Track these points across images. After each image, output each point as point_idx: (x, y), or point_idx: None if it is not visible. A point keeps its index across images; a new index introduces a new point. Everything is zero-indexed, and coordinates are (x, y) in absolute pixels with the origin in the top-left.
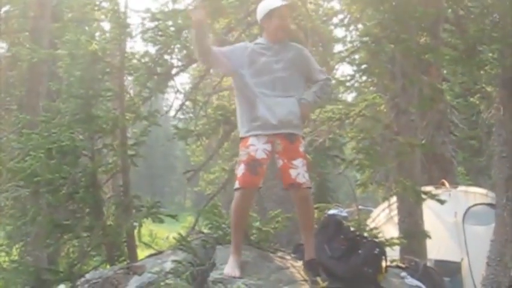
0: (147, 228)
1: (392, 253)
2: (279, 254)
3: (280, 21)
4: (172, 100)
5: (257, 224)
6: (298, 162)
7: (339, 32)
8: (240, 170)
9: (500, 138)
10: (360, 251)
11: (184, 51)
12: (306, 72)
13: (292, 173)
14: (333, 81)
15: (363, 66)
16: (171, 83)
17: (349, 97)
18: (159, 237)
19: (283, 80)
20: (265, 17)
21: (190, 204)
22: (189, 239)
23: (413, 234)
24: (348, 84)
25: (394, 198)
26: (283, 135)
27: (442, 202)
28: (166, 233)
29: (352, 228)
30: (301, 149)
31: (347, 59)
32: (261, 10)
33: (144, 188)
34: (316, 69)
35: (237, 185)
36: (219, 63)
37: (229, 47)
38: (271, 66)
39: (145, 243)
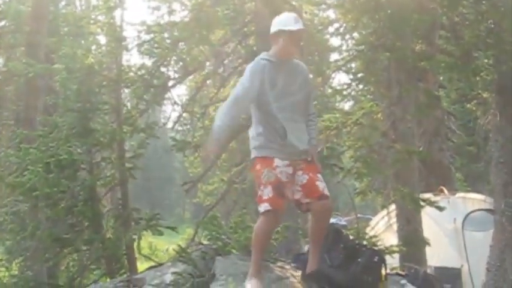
0: (147, 240)
1: (392, 261)
2: (279, 263)
3: (296, 45)
4: (170, 112)
5: None
6: (321, 176)
7: (335, 41)
8: (267, 192)
9: (497, 144)
10: (359, 260)
11: (181, 63)
12: (308, 97)
13: (320, 185)
14: (330, 90)
15: (359, 75)
16: (168, 95)
17: (346, 106)
18: (159, 249)
19: (300, 103)
20: (281, 34)
21: (190, 215)
22: (188, 250)
23: (412, 241)
24: (344, 93)
25: (393, 206)
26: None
27: (441, 209)
28: (166, 245)
29: (351, 237)
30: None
31: (343, 68)
32: (278, 25)
33: (143, 200)
34: (312, 98)
35: (266, 207)
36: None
37: (249, 79)
38: (290, 88)
39: (145, 256)
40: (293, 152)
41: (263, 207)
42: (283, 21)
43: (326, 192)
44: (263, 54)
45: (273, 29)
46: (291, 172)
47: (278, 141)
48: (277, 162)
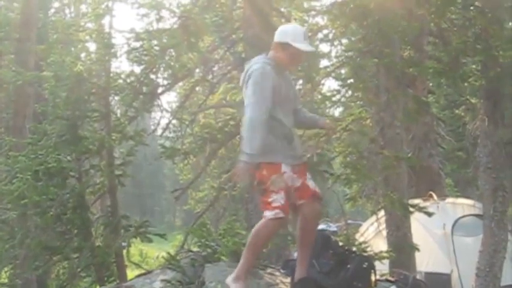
0: (137, 247)
1: (382, 267)
2: (269, 270)
3: (298, 63)
4: (159, 119)
5: (246, 241)
6: (310, 175)
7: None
8: (279, 198)
9: (486, 149)
10: (348, 266)
11: (170, 70)
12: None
13: (310, 184)
14: (319, 97)
15: (349, 81)
16: (157, 102)
17: (336, 112)
18: (149, 256)
19: (293, 109)
20: (287, 47)
21: (180, 222)
22: (178, 257)
23: (402, 247)
24: (334, 99)
25: (382, 212)
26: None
27: (429, 214)
28: (156, 252)
29: (340, 243)
30: None
31: (332, 74)
32: (287, 37)
33: (133, 207)
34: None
35: (278, 214)
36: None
37: (266, 85)
38: (289, 94)
39: (134, 263)
40: (295, 156)
41: (273, 213)
42: (294, 35)
43: (317, 189)
44: (264, 58)
45: (281, 38)
46: (295, 177)
47: (285, 146)
48: (284, 167)
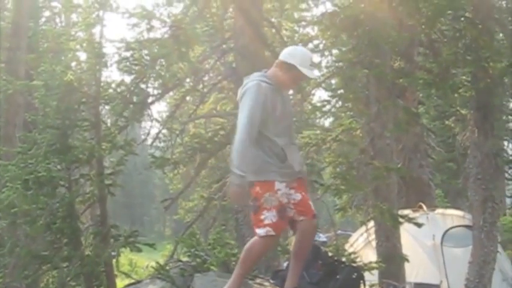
0: (127, 257)
1: (372, 277)
2: (258, 280)
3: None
4: (149, 128)
5: (235, 251)
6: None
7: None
8: (271, 216)
9: (475, 160)
10: (338, 276)
11: (160, 80)
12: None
13: (311, 204)
14: (309, 107)
15: (339, 91)
16: (147, 111)
17: (326, 122)
18: (139, 266)
19: (291, 126)
20: (293, 69)
21: (170, 232)
22: (167, 267)
23: (391, 257)
24: (324, 109)
25: (372, 223)
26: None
27: (419, 225)
28: (146, 261)
29: (330, 254)
30: None
31: (323, 84)
32: (294, 59)
33: (123, 217)
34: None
35: (269, 231)
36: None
37: (257, 105)
38: (285, 112)
39: (124, 273)
40: (290, 173)
41: (264, 231)
42: (302, 60)
43: (314, 210)
44: (262, 77)
45: (288, 59)
46: (289, 193)
47: (278, 164)
48: (277, 185)
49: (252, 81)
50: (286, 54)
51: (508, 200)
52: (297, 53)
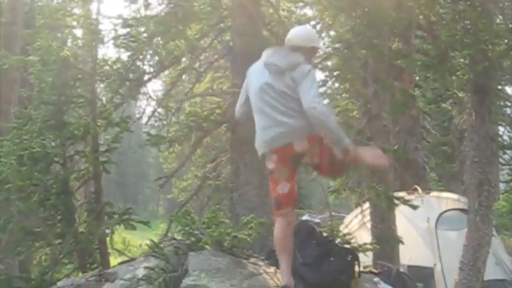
0: (120, 235)
1: (366, 259)
2: (252, 260)
3: None
4: (145, 107)
5: (230, 230)
6: None
7: None
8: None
9: (472, 143)
10: (331, 258)
11: (156, 58)
12: None
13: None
14: None
15: (336, 73)
16: (143, 89)
17: None
18: (132, 244)
19: None
20: (315, 51)
21: (164, 211)
22: (161, 245)
23: (386, 239)
24: (320, 90)
25: (367, 204)
26: None
27: (414, 208)
28: (139, 240)
29: (324, 234)
30: None
31: (319, 66)
32: (315, 42)
33: (116, 195)
34: None
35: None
36: None
37: None
38: None
39: (118, 250)
40: None
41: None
42: (315, 38)
43: None
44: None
45: (311, 43)
46: None
47: None
48: None
49: (304, 63)
50: (312, 38)
51: (501, 185)
52: (313, 33)
